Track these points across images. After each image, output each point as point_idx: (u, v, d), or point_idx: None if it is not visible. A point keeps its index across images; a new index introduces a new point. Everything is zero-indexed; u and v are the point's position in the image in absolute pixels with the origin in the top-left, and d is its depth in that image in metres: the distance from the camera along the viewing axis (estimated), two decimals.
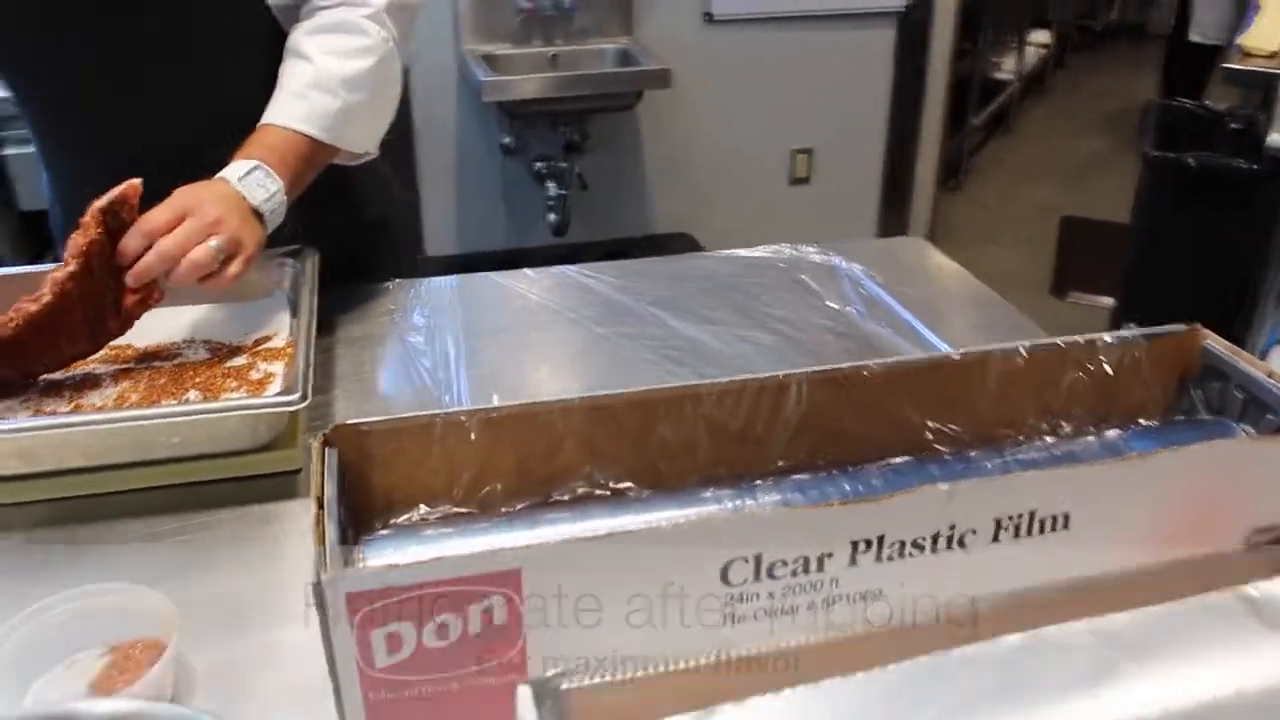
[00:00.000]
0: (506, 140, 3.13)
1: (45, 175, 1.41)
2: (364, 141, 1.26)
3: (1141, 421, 0.93)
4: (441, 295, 1.38)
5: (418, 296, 1.37)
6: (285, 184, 1.13)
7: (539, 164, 3.11)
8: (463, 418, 0.78)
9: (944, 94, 3.74)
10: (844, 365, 0.85)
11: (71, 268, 1.01)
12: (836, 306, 1.33)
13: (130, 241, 1.03)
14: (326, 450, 0.76)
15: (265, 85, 1.19)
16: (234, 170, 1.10)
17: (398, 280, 1.40)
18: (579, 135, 3.08)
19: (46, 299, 1.00)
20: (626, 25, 3.09)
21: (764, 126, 3.34)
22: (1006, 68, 5.56)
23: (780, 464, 0.83)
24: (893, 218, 3.66)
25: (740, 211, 3.43)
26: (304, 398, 0.95)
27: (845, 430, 0.84)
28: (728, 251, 1.50)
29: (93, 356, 1.12)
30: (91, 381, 1.09)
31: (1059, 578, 0.75)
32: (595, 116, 3.08)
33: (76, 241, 1.01)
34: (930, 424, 0.87)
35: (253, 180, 1.10)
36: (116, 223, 1.04)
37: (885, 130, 3.48)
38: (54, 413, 1.04)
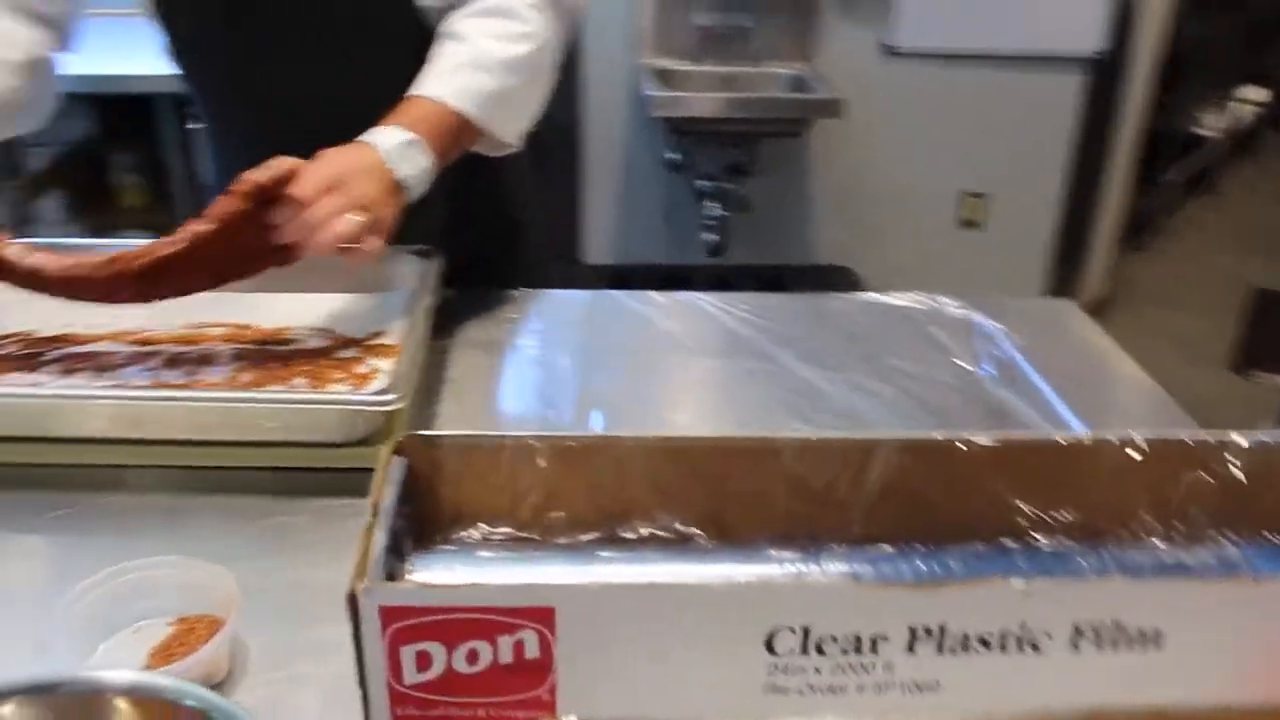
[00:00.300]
0: (673, 156, 3.14)
1: (211, 153, 1.48)
2: (511, 129, 1.25)
3: (1272, 537, 0.86)
4: (567, 309, 1.38)
5: (543, 307, 1.38)
6: (434, 161, 1.13)
7: (702, 182, 3.10)
8: (534, 443, 0.78)
9: (1133, 147, 3.58)
10: (939, 435, 0.81)
11: (211, 226, 1.05)
12: (967, 366, 1.27)
13: (281, 211, 1.05)
14: (394, 458, 0.76)
15: (409, 80, 1.21)
16: (388, 139, 1.10)
17: (525, 289, 1.40)
18: (746, 157, 3.06)
19: (179, 245, 1.05)
20: (804, 51, 3.06)
21: (936, 165, 3.26)
22: (1212, 124, 5.28)
23: (857, 531, 0.79)
24: (1065, 271, 3.52)
25: (904, 249, 3.35)
26: (399, 399, 0.96)
27: (932, 504, 0.80)
28: (866, 296, 1.46)
29: (215, 333, 1.17)
30: (210, 358, 1.13)
31: (1143, 700, 0.69)
32: (764, 140, 3.06)
33: (223, 206, 1.04)
34: (1027, 509, 0.82)
35: (405, 154, 1.10)
36: (266, 198, 1.06)
37: (1064, 180, 3.34)
38: (171, 385, 1.08)
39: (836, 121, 2.97)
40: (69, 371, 1.10)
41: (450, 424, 1.11)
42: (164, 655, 0.79)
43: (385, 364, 1.11)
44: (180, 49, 1.33)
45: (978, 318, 1.40)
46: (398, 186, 1.10)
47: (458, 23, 1.22)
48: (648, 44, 3.03)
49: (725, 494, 0.79)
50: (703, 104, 2.86)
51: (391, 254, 1.23)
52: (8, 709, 0.59)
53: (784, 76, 3.04)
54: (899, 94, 3.15)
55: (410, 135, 1.11)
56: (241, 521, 0.96)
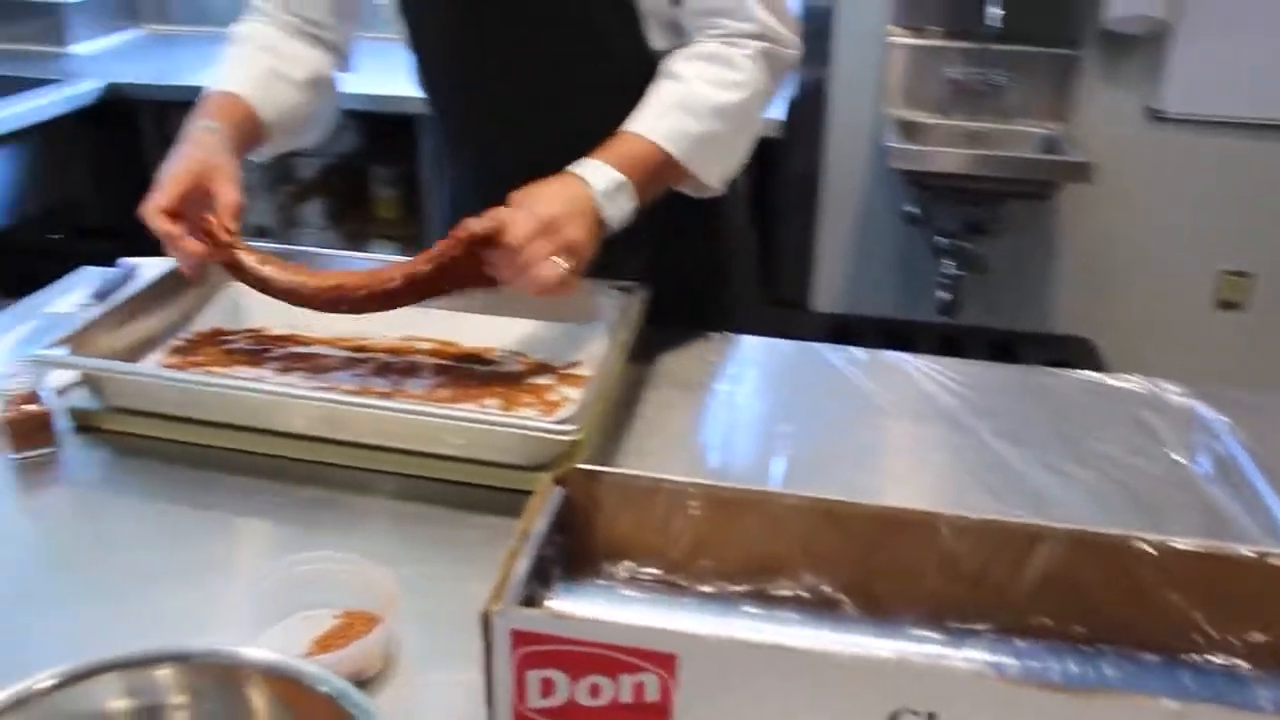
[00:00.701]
0: (912, 210, 3.08)
1: (444, 166, 1.56)
2: (714, 173, 1.28)
3: None
4: (768, 357, 1.38)
5: (744, 353, 1.38)
6: (637, 203, 1.17)
7: (940, 239, 3.03)
8: (690, 489, 0.78)
9: None
10: (1113, 532, 0.77)
11: (428, 268, 1.12)
12: (1180, 459, 1.19)
13: (496, 255, 1.11)
14: (553, 489, 0.78)
15: (631, 108, 1.24)
16: (600, 179, 1.14)
17: (728, 333, 1.41)
18: (988, 216, 2.96)
19: (395, 284, 1.13)
20: (1061, 111, 2.94)
21: (1195, 239, 3.06)
22: None
23: (1010, 620, 0.76)
24: None
25: (1151, 326, 3.16)
26: (579, 429, 0.98)
27: (1097, 603, 0.76)
28: (1079, 373, 1.39)
29: (423, 347, 1.24)
30: (415, 369, 1.20)
31: None
32: (1008, 200, 2.96)
33: (442, 249, 1.12)
34: (1206, 625, 0.76)
35: (614, 197, 1.14)
36: (480, 245, 1.12)
37: None
38: (375, 392, 1.14)
39: (1088, 186, 2.84)
40: (288, 369, 1.19)
41: (633, 458, 1.13)
42: (324, 644, 0.84)
43: (575, 393, 1.14)
44: (423, 70, 1.42)
45: (1201, 407, 1.31)
46: (602, 226, 1.14)
47: (676, 63, 1.25)
48: (894, 94, 2.99)
49: (877, 563, 0.77)
50: (945, 159, 2.79)
51: (596, 286, 1.27)
52: (161, 673, 0.65)
53: (1036, 136, 2.93)
54: (1161, 161, 2.98)
55: (621, 177, 1.15)
56: (416, 528, 1.01)
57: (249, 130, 1.29)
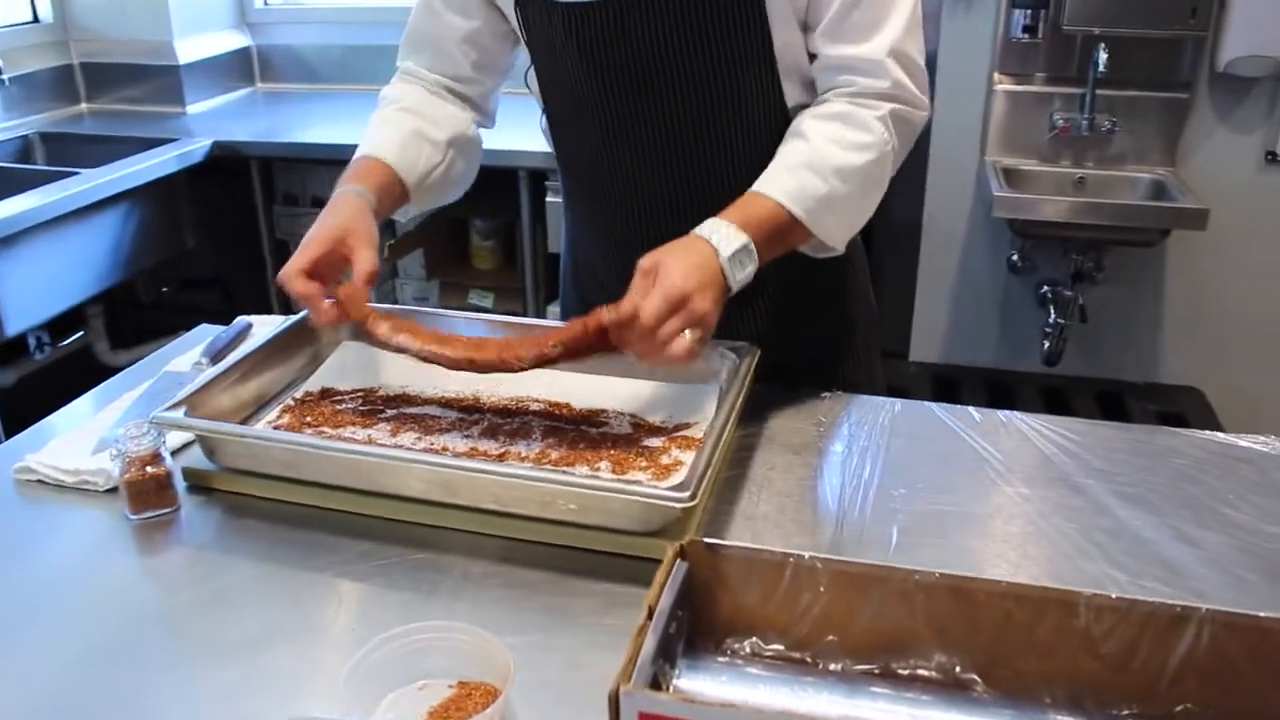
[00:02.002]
0: (1014, 257, 3.02)
1: (565, 227, 1.57)
2: (837, 235, 1.26)
3: None
4: (878, 416, 1.35)
5: (854, 412, 1.35)
6: (759, 265, 1.17)
7: (1044, 287, 2.97)
8: (818, 564, 0.76)
9: None
10: (1265, 615, 0.73)
11: (557, 352, 1.14)
12: None
13: (626, 334, 1.10)
14: (677, 562, 0.77)
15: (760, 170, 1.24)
16: (726, 244, 1.13)
17: (839, 392, 1.39)
18: (1093, 264, 2.89)
19: (525, 365, 1.15)
20: (1170, 156, 2.87)
21: None
22: None
23: (1155, 705, 0.72)
24: None
25: (1268, 377, 3.05)
26: (693, 496, 0.97)
27: (1247, 688, 0.72)
28: (1202, 433, 1.33)
29: (534, 408, 1.23)
30: (525, 430, 1.19)
31: None
32: (1115, 247, 2.89)
33: (572, 334, 1.13)
34: None
35: (740, 261, 1.14)
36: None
37: None
38: (485, 454, 1.14)
39: (1200, 233, 2.76)
40: (398, 430, 1.20)
41: (746, 522, 1.11)
42: (440, 716, 0.84)
43: (687, 456, 1.13)
44: (555, 123, 1.44)
45: None
46: (727, 292, 1.14)
47: (804, 123, 1.25)
48: (997, 141, 2.94)
49: (1009, 642, 0.74)
50: (1047, 207, 2.74)
51: (715, 345, 1.26)
52: None
53: (1144, 181, 2.86)
54: (1277, 205, 2.89)
55: (745, 239, 1.14)
56: (528, 594, 1.00)
57: (392, 192, 1.33)
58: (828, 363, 1.49)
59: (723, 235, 1.14)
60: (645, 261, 1.12)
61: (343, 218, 1.23)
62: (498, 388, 1.29)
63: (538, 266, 2.95)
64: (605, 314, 1.10)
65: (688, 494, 0.96)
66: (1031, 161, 2.94)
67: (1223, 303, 3.02)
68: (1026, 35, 2.87)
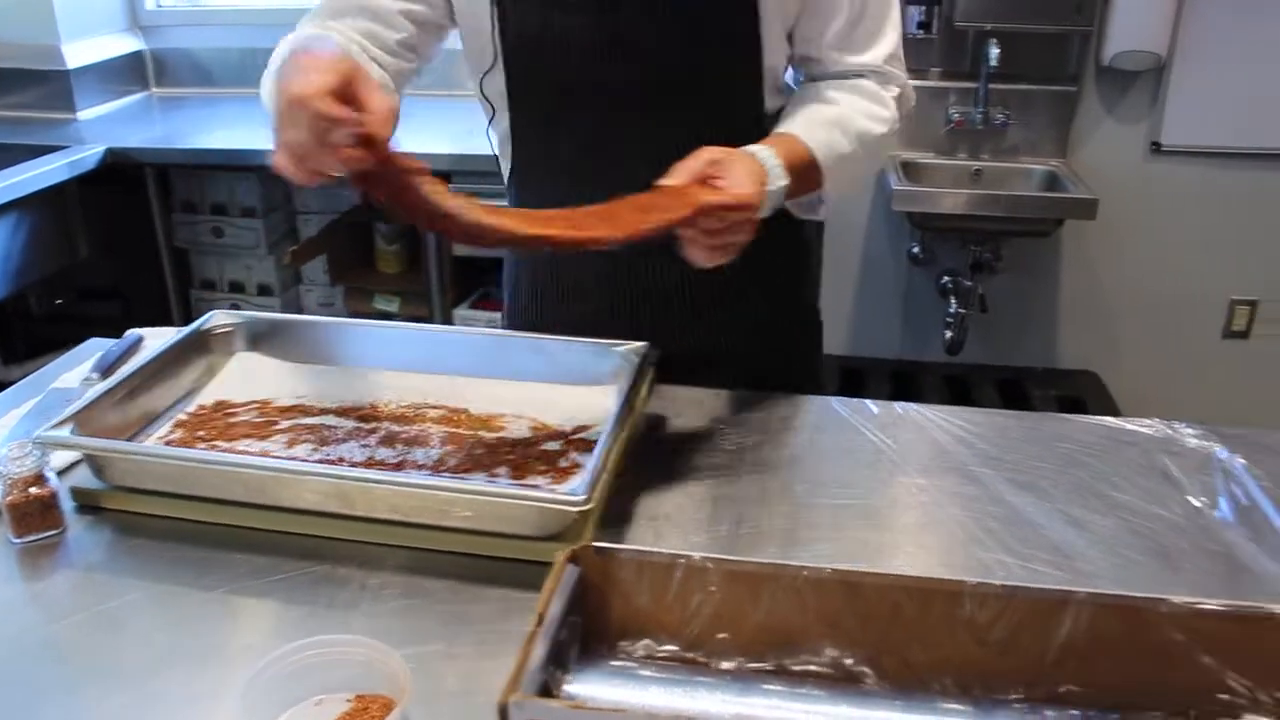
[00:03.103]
0: (914, 249, 3.08)
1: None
2: (837, 193, 1.33)
3: None
4: (777, 412, 1.36)
5: (753, 409, 1.36)
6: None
7: (945, 278, 3.03)
8: (709, 564, 0.77)
9: None
10: (1140, 595, 0.75)
11: (653, 234, 1.07)
12: (1198, 504, 1.18)
13: (714, 221, 1.10)
14: (568, 567, 0.77)
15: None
16: (776, 177, 1.18)
17: (739, 390, 1.40)
18: (992, 255, 2.96)
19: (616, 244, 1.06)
20: (1062, 147, 2.95)
21: (1202, 270, 3.05)
22: None
23: (1039, 687, 0.74)
24: None
25: (1160, 358, 3.15)
26: (588, 499, 0.97)
27: (1127, 668, 0.74)
28: (1091, 419, 1.37)
29: (432, 415, 1.22)
30: (423, 438, 1.18)
31: None
32: (1011, 238, 2.96)
33: (677, 216, 1.08)
34: (1241, 685, 0.74)
35: (775, 198, 1.19)
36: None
37: None
38: (383, 464, 1.13)
39: (1092, 221, 2.83)
40: (293, 442, 1.18)
41: (648, 523, 1.11)
42: None
43: (587, 459, 1.12)
44: (518, 125, 1.38)
45: (1220, 450, 1.29)
46: (765, 197, 1.15)
47: (828, 90, 1.33)
48: (896, 136, 2.99)
49: (899, 634, 0.75)
50: (944, 200, 2.79)
51: (606, 348, 1.26)
52: None
53: (1038, 173, 2.93)
54: (1164, 193, 2.98)
55: (785, 183, 1.19)
56: (428, 604, 0.99)
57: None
58: (799, 360, 1.57)
59: (773, 169, 1.18)
60: (715, 153, 1.13)
61: (338, 57, 0.98)
62: (395, 396, 1.27)
63: (443, 269, 2.92)
64: (708, 196, 1.09)
65: (582, 497, 0.96)
66: (929, 155, 3.00)
67: (1115, 289, 3.11)
68: (921, 31, 2.93)
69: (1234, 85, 2.86)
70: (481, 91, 1.38)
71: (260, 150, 2.92)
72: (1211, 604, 0.74)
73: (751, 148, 1.19)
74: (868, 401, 1.39)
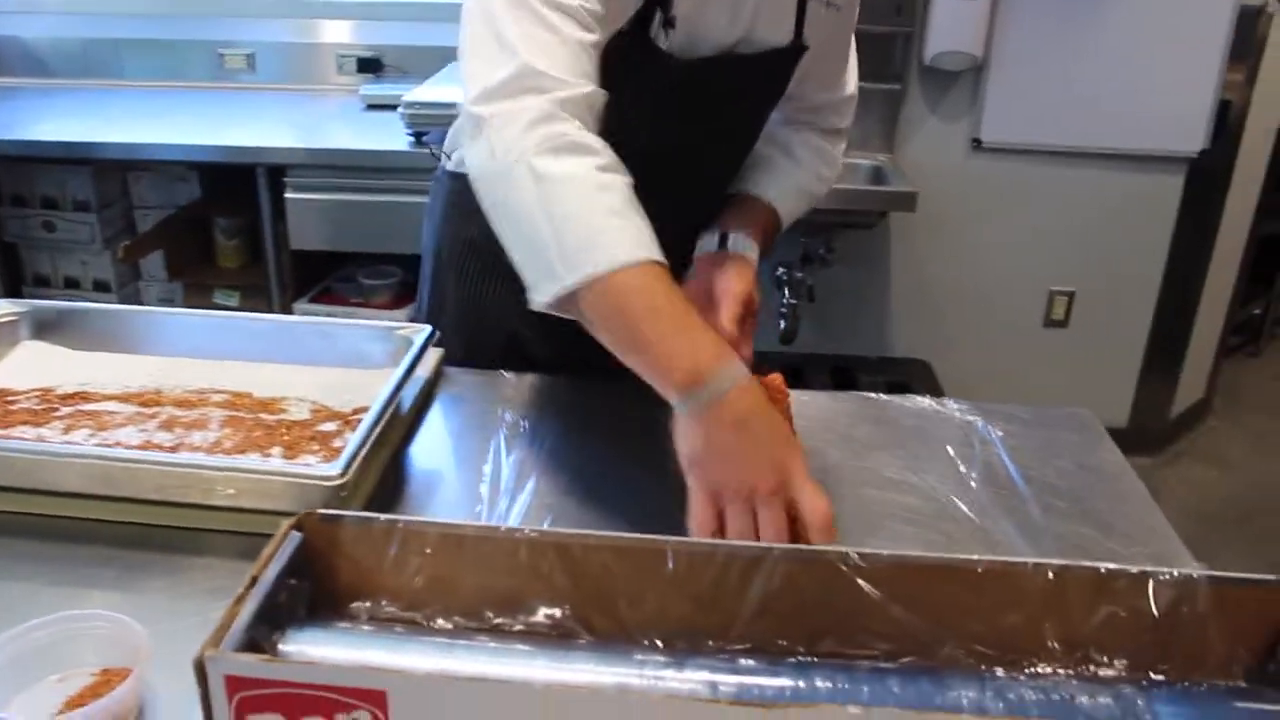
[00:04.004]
0: None
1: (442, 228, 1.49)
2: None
3: (1198, 683, 0.83)
4: (572, 397, 1.40)
5: (546, 393, 1.40)
6: None
7: (780, 269, 3.11)
8: (425, 529, 0.81)
9: (1240, 251, 3.46)
10: (830, 549, 0.81)
11: None
12: (960, 469, 1.26)
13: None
14: (291, 534, 0.80)
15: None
16: (753, 255, 1.34)
17: (531, 374, 1.43)
18: (823, 247, 3.06)
19: None
20: (889, 143, 3.06)
21: (1023, 262, 3.20)
22: None
23: (739, 639, 0.80)
24: (1159, 375, 3.40)
25: (985, 346, 3.30)
26: (343, 475, 0.99)
27: (821, 619, 0.80)
28: (871, 396, 1.45)
29: (214, 400, 1.24)
30: (203, 421, 1.20)
31: None
32: (841, 230, 3.06)
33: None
34: (925, 631, 0.81)
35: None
36: None
37: (1161, 281, 3.24)
38: (159, 446, 1.14)
39: (920, 215, 2.95)
40: (71, 428, 1.18)
41: (416, 503, 1.15)
42: (76, 703, 0.84)
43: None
44: None
45: (980, 424, 1.38)
46: None
47: (799, 148, 1.47)
48: None
49: (609, 592, 0.80)
50: None
51: (389, 332, 1.29)
52: None
53: (864, 168, 3.04)
54: (985, 188, 3.12)
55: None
56: (192, 580, 1.01)
57: None
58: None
59: (752, 251, 1.34)
60: (741, 288, 1.27)
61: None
62: (183, 381, 1.28)
63: (282, 263, 2.91)
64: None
65: (337, 471, 0.99)
66: None
67: (942, 279, 3.24)
68: None
69: (1048, 85, 3.01)
70: None
71: (95, 143, 2.86)
72: (891, 555, 0.80)
73: (744, 246, 1.32)
74: None
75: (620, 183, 1.00)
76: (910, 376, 3.13)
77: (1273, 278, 4.33)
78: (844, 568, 0.80)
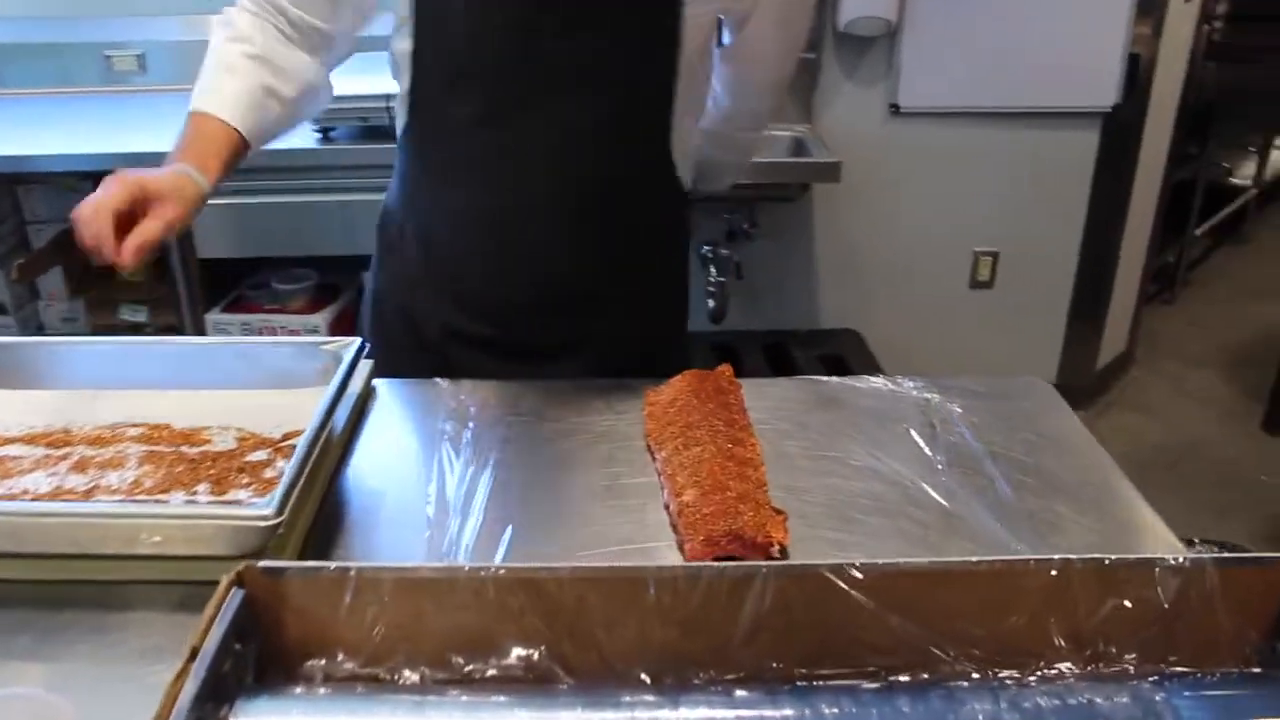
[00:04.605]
0: None
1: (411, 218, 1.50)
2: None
3: (1212, 670, 0.79)
4: (507, 399, 1.33)
5: (478, 398, 1.32)
6: None
7: (705, 248, 3.06)
8: (382, 574, 0.73)
9: (1154, 201, 3.49)
10: (822, 563, 0.75)
11: None
12: (920, 453, 1.21)
13: None
14: (232, 591, 0.72)
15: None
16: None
17: (465, 379, 1.36)
18: (747, 222, 3.01)
19: None
20: (807, 113, 3.01)
21: (946, 225, 3.18)
22: (1245, 174, 5.17)
23: (731, 666, 0.74)
24: (1084, 329, 3.42)
25: (914, 312, 3.28)
26: (278, 515, 0.91)
27: (816, 635, 0.74)
28: (820, 379, 1.40)
29: (129, 435, 1.14)
30: (119, 460, 1.10)
31: None
32: (765, 204, 3.01)
33: None
34: (924, 639, 0.76)
35: None
36: None
37: (1082, 236, 3.26)
38: (71, 492, 1.05)
39: (843, 184, 2.91)
40: None
41: (359, 534, 1.07)
42: None
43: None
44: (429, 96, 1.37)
45: (937, 400, 1.34)
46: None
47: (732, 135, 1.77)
48: None
49: (587, 627, 0.74)
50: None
51: (315, 347, 1.20)
52: None
53: (784, 139, 2.99)
54: (906, 154, 3.09)
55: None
56: (122, 642, 0.91)
57: (229, 159, 1.29)
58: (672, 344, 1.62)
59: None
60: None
61: (166, 183, 1.21)
62: (93, 417, 1.18)
63: (190, 273, 2.77)
64: None
65: (270, 510, 0.90)
66: None
67: (867, 247, 3.21)
68: None
69: (962, 48, 2.98)
70: (394, 57, 1.37)
71: None
72: (888, 564, 0.75)
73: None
74: (602, 381, 1.38)
75: (235, 51, 1.33)
76: (843, 348, 3.10)
77: (1184, 225, 4.40)
78: (837, 580, 0.75)
